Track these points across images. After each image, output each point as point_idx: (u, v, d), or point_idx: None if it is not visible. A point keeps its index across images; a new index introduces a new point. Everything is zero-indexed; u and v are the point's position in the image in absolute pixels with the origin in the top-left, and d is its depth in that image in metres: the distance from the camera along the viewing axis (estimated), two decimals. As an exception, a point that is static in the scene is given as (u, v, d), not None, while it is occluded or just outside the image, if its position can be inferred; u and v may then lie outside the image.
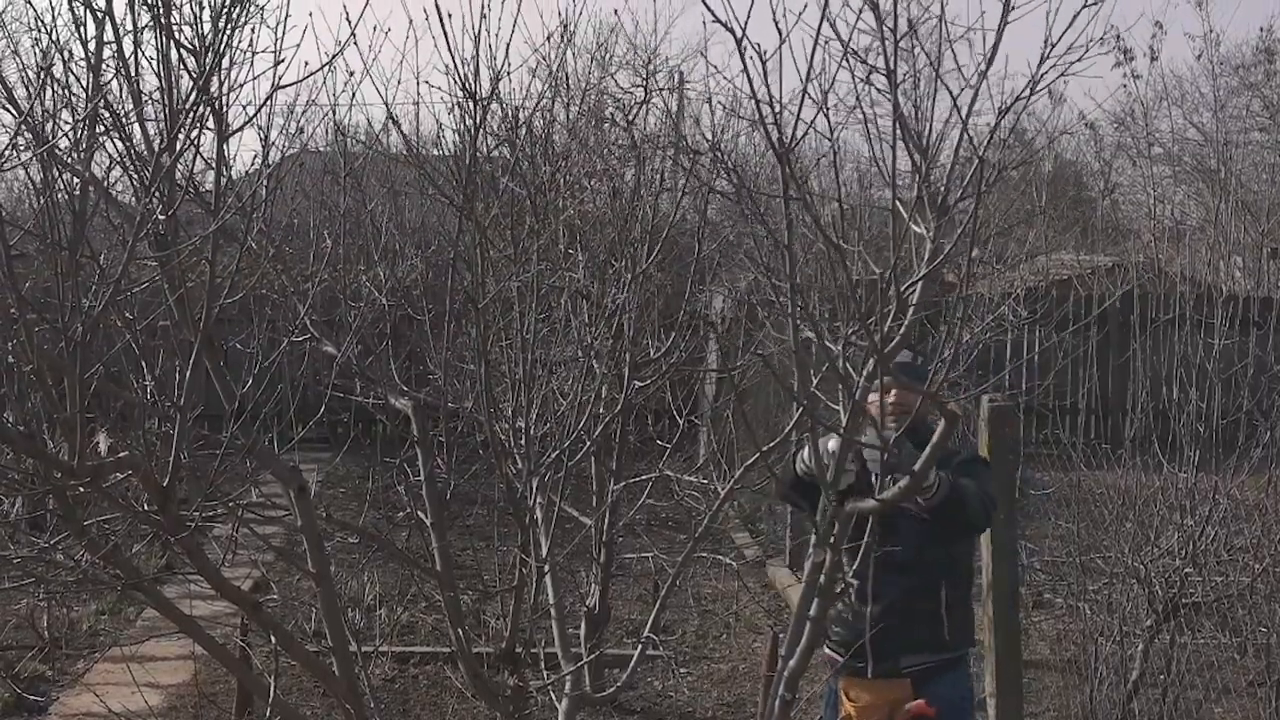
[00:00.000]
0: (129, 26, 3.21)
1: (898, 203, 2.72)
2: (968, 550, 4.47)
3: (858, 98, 2.65)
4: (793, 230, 2.82)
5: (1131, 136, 22.59)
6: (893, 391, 3.97)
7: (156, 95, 3.31)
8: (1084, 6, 2.45)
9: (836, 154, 2.95)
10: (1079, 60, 2.47)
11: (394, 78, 4.30)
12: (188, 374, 3.12)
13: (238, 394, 3.50)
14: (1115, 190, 24.27)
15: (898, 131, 2.60)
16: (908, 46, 2.65)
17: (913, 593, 4.10)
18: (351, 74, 4.02)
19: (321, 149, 7.48)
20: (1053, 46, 2.49)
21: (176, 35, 3.18)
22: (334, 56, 3.45)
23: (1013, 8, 2.51)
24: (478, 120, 3.91)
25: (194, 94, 3.16)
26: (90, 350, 2.96)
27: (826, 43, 2.61)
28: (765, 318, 5.88)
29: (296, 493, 3.47)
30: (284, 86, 3.31)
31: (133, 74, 3.23)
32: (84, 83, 3.34)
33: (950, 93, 2.64)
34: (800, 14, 2.61)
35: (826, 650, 4.29)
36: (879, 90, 2.65)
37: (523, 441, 4.04)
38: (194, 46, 3.20)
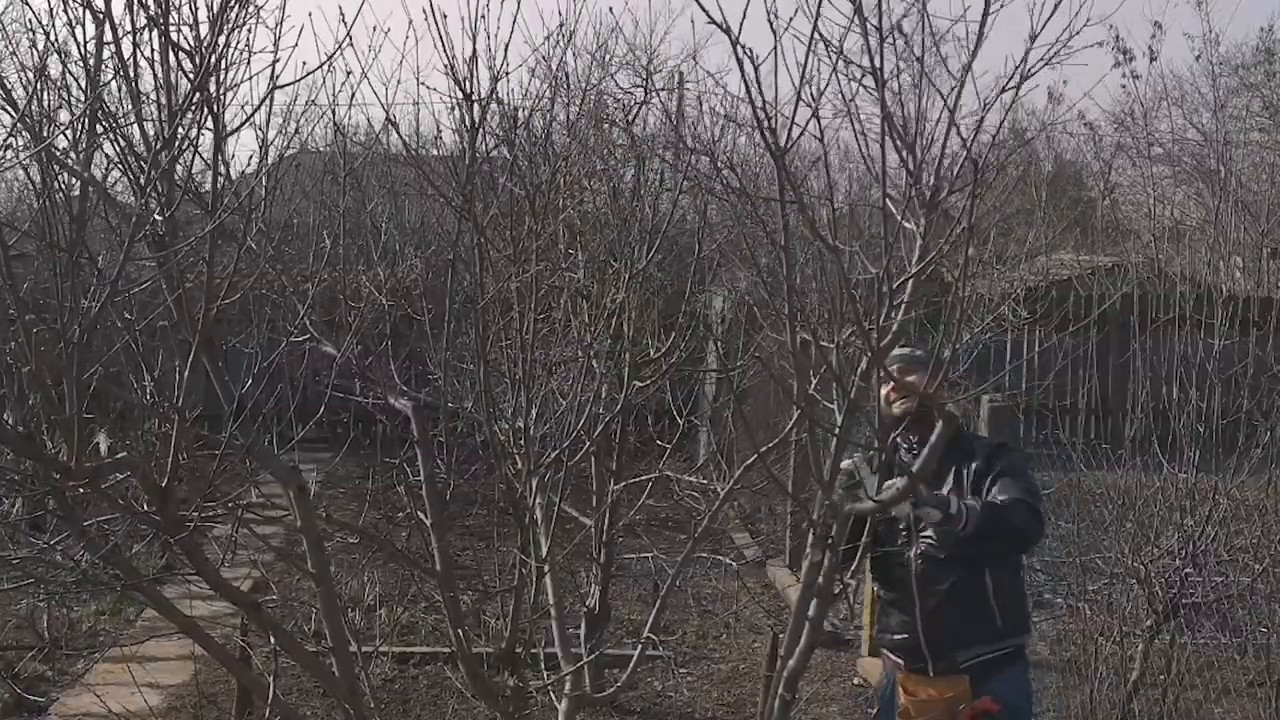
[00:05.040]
0: (128, 27, 3.21)
1: (890, 201, 2.72)
2: None
3: (843, 97, 2.65)
4: (789, 232, 2.82)
5: (1131, 136, 22.58)
6: (893, 380, 3.98)
7: (155, 95, 3.31)
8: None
9: (826, 155, 2.94)
10: (1063, 48, 2.48)
11: (394, 78, 4.31)
12: (187, 374, 3.13)
13: (237, 394, 3.50)
14: (1115, 190, 24.25)
15: (885, 129, 2.61)
16: (903, 47, 2.65)
17: (958, 584, 4.06)
18: (350, 74, 4.02)
19: (321, 149, 7.48)
20: (1035, 38, 2.50)
21: (174, 37, 3.18)
22: (331, 56, 3.45)
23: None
24: (477, 120, 3.92)
25: (192, 94, 3.16)
26: (89, 351, 2.96)
27: (817, 44, 2.61)
28: (764, 320, 5.88)
29: (296, 493, 3.47)
30: (282, 86, 3.31)
31: (131, 74, 3.23)
32: (82, 83, 3.34)
33: (949, 72, 2.65)
34: (791, 19, 2.61)
35: (884, 652, 4.30)
36: (867, 90, 2.65)
37: (523, 441, 4.04)
38: (192, 47, 3.20)
